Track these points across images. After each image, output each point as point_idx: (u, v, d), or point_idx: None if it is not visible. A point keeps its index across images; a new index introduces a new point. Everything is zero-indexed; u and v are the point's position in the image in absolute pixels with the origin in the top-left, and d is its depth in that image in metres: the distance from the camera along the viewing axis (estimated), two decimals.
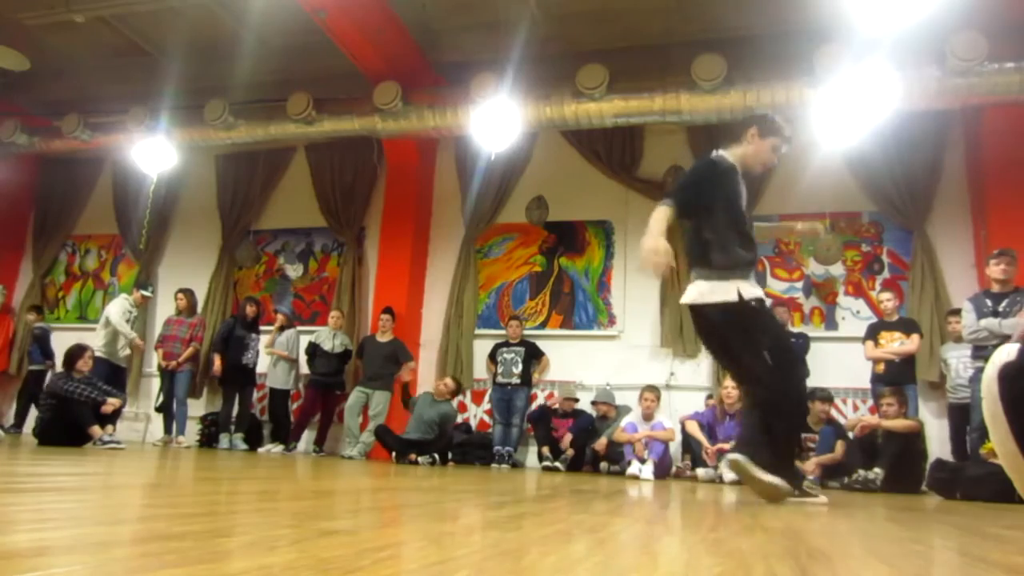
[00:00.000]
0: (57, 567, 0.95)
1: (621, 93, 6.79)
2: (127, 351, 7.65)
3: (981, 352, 5.39)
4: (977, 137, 6.84)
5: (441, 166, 8.67)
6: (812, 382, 6.50)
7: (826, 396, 6.17)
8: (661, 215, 3.12)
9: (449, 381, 6.97)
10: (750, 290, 3.19)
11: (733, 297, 3.15)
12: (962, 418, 5.87)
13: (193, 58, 8.24)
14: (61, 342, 7.61)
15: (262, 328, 8.18)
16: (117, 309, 7.56)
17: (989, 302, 5.34)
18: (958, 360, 6.01)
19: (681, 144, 7.81)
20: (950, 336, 6.25)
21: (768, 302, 3.44)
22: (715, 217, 3.23)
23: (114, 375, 7.31)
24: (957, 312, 6.06)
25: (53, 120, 8.77)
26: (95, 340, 7.25)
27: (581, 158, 8.12)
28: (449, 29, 7.65)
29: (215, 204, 9.36)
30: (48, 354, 8.79)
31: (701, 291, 3.23)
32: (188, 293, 8.16)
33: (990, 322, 5.26)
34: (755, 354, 3.19)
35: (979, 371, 5.40)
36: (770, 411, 3.19)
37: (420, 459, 6.44)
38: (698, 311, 3.28)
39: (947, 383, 6.22)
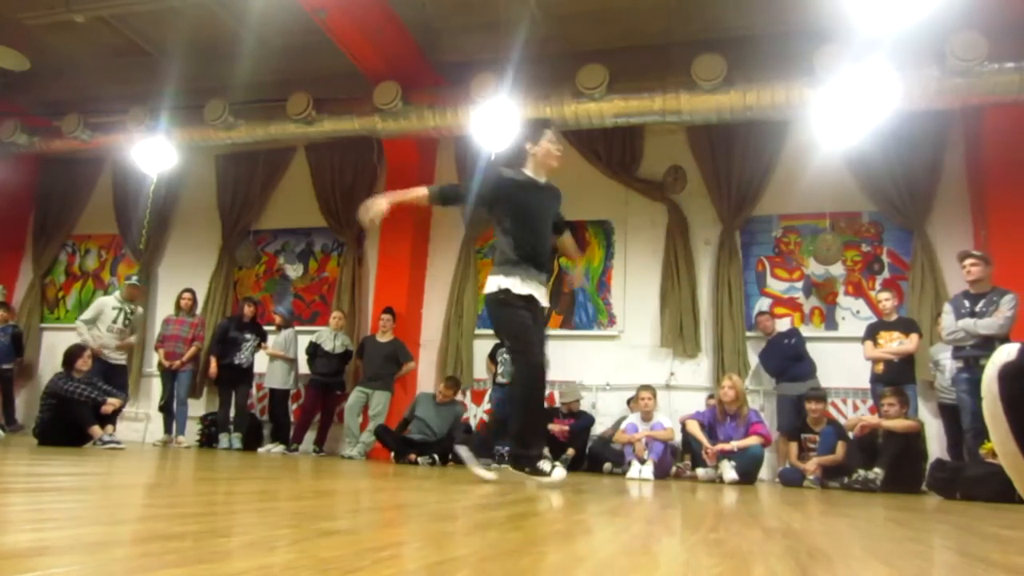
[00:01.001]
0: (57, 567, 0.95)
1: (621, 93, 6.78)
2: (119, 351, 7.37)
3: (960, 352, 5.48)
4: (977, 137, 6.84)
5: (441, 166, 8.67)
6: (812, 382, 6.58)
7: (820, 396, 6.18)
8: (416, 192, 3.72)
9: (444, 387, 6.94)
10: (505, 283, 3.55)
11: (492, 288, 3.61)
12: (955, 417, 5.90)
13: (193, 58, 8.24)
14: (61, 342, 7.59)
15: (266, 328, 8.17)
16: (89, 310, 7.35)
17: (967, 303, 5.45)
18: (953, 362, 6.03)
19: (681, 144, 7.81)
20: (938, 337, 6.27)
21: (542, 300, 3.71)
22: (501, 220, 3.68)
23: (109, 374, 7.08)
24: None
25: (53, 120, 8.77)
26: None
27: (581, 158, 8.11)
28: (449, 29, 7.65)
29: (215, 204, 9.36)
30: (21, 352, 8.65)
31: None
32: (193, 293, 8.20)
33: (966, 322, 5.33)
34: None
35: (960, 371, 5.49)
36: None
37: (420, 459, 6.44)
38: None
39: (936, 383, 6.24)
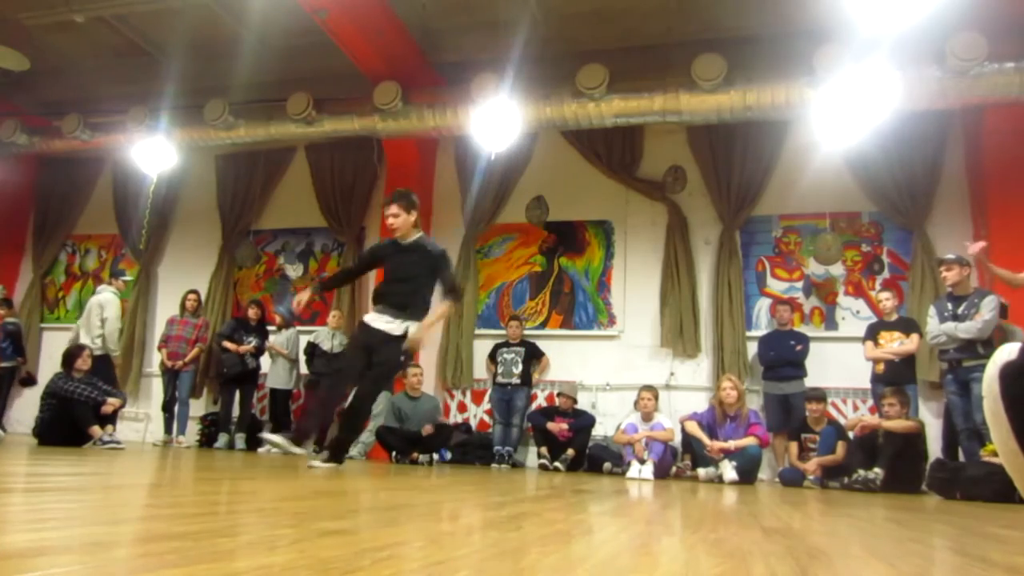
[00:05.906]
0: (57, 567, 0.95)
1: (621, 93, 6.78)
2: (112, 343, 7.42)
3: (944, 356, 5.49)
4: (977, 137, 6.84)
5: (441, 166, 8.66)
6: (812, 382, 6.58)
7: (819, 396, 6.19)
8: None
9: (418, 372, 6.93)
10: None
11: None
12: None
13: (193, 58, 8.23)
14: (61, 343, 7.59)
15: (269, 329, 8.17)
16: (113, 304, 7.39)
17: (950, 305, 5.50)
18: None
19: (681, 144, 7.81)
20: None
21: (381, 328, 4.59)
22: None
23: (105, 367, 7.09)
24: None
25: (53, 120, 8.77)
26: (86, 335, 7.16)
27: (581, 158, 8.11)
28: (449, 29, 7.64)
29: (215, 204, 9.36)
30: (20, 351, 8.58)
31: None
32: (199, 294, 8.23)
33: (947, 326, 5.35)
34: None
35: (945, 373, 5.54)
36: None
37: (421, 457, 6.44)
38: None
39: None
